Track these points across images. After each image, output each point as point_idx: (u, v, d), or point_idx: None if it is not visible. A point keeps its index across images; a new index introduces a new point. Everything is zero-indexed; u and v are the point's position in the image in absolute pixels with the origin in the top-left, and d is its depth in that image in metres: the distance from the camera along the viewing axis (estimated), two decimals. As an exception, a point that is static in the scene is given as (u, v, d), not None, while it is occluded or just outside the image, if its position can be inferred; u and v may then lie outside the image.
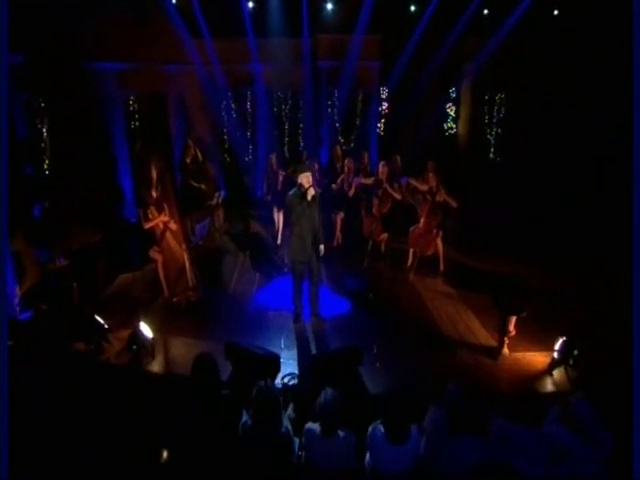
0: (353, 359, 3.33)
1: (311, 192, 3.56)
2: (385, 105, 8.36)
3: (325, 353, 3.52)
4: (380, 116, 8.28)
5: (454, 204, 4.71)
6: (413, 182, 5.14)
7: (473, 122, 8.29)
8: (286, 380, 3.31)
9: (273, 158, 6.08)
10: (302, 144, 8.56)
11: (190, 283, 4.50)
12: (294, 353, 3.68)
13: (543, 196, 6.64)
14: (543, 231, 5.88)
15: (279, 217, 5.93)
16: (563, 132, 6.72)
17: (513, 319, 3.51)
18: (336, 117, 8.15)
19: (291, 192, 3.66)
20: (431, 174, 4.93)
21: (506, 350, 3.65)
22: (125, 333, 3.67)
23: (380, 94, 8.20)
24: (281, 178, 5.81)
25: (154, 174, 4.41)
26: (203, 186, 5.99)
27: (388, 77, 7.91)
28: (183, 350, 3.70)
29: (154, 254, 4.58)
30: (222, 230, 6.41)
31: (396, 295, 4.52)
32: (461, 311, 4.36)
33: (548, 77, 6.73)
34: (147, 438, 2.43)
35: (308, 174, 3.53)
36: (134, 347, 3.54)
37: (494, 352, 3.68)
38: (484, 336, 3.97)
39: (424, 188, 5.02)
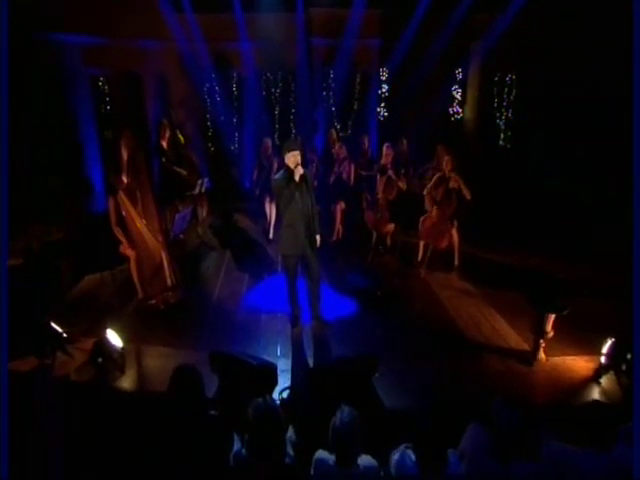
0: (366, 369, 2.96)
1: (299, 171, 3.25)
2: (385, 88, 8.09)
3: (331, 362, 3.14)
4: (380, 99, 8.07)
5: (468, 195, 4.51)
6: (426, 194, 4.88)
7: (481, 106, 8.04)
8: (285, 395, 2.92)
9: (268, 142, 5.83)
10: (294, 130, 8.30)
11: (169, 282, 4.18)
12: (293, 362, 3.36)
13: (559, 184, 6.49)
14: (563, 220, 5.74)
15: (271, 209, 5.67)
16: (580, 116, 6.47)
17: (552, 318, 3.18)
18: (332, 100, 7.93)
19: (276, 175, 3.40)
20: (447, 157, 4.70)
21: (542, 354, 3.32)
22: (89, 343, 3.25)
23: (380, 75, 7.97)
24: (276, 166, 5.61)
25: (124, 155, 3.97)
26: (184, 172, 5.56)
27: (389, 57, 7.70)
28: (160, 362, 3.36)
29: (125, 250, 4.17)
30: (206, 224, 6.22)
31: (407, 293, 4.34)
32: (484, 310, 4.10)
33: (563, 57, 6.48)
34: (114, 473, 2.09)
35: (296, 153, 3.26)
36: (99, 360, 3.11)
37: (528, 357, 3.36)
38: (514, 338, 3.67)
39: (435, 180, 4.80)
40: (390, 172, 5.06)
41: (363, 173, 5.36)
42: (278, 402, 2.81)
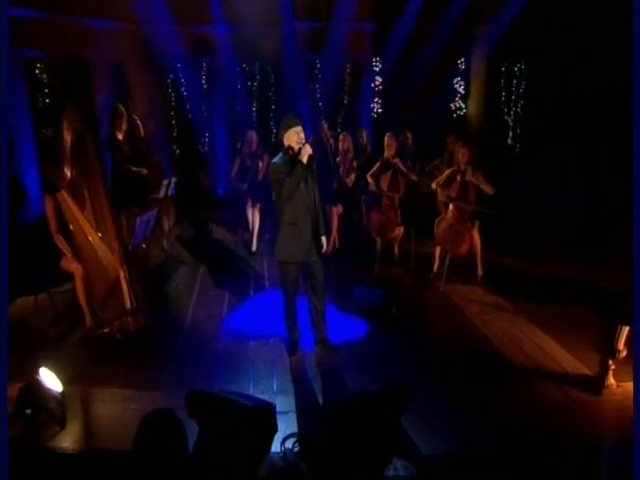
0: (394, 406, 2.50)
1: (306, 151, 2.95)
2: (379, 80, 7.98)
3: (346, 398, 2.68)
4: (373, 93, 8.05)
5: (490, 190, 4.39)
6: (435, 186, 4.76)
7: (487, 100, 8.02)
8: (290, 445, 2.46)
9: (253, 136, 5.61)
10: (274, 129, 8.09)
11: (127, 305, 3.74)
12: (296, 400, 2.93)
13: (577, 187, 6.51)
14: (586, 225, 5.72)
15: (255, 216, 5.51)
16: (601, 111, 6.45)
17: (625, 333, 2.83)
18: (318, 94, 7.87)
19: (274, 159, 3.09)
20: (462, 149, 4.56)
21: (611, 379, 2.95)
22: (14, 389, 2.67)
23: (373, 66, 7.96)
24: (262, 164, 5.43)
25: (67, 139, 3.46)
26: (144, 171, 5.10)
27: (383, 44, 7.67)
28: (115, 409, 2.86)
29: (69, 264, 3.65)
30: (173, 235, 5.95)
31: (427, 310, 4.15)
32: (522, 327, 3.85)
33: (582, 43, 6.48)
34: None
35: (299, 129, 2.99)
36: (27, 411, 2.53)
37: (592, 382, 3.00)
38: (568, 359, 3.36)
39: (447, 173, 4.68)
40: (396, 160, 4.85)
41: (371, 182, 5.11)
42: (282, 456, 2.32)
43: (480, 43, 7.82)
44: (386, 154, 5.00)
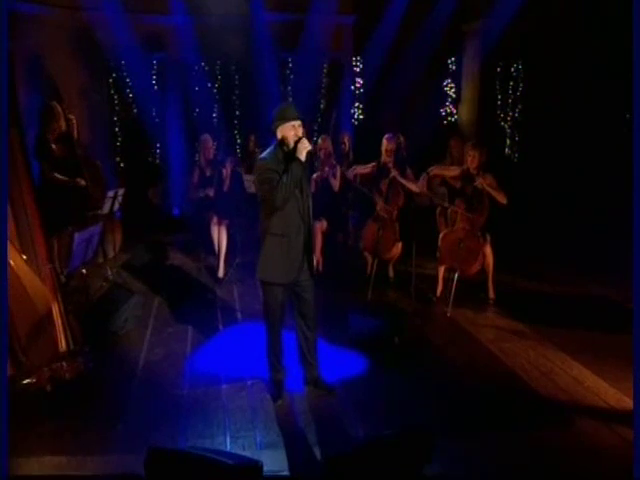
0: (413, 455, 2.30)
1: (304, 146, 2.85)
2: (360, 82, 8.13)
3: (354, 448, 2.45)
4: (354, 97, 8.20)
5: (503, 199, 4.45)
6: (436, 170, 4.83)
7: (481, 105, 8.26)
8: None
9: (209, 141, 5.63)
10: (239, 140, 8.08)
11: (61, 347, 3.46)
12: (285, 456, 2.69)
13: (583, 200, 6.78)
14: (597, 240, 5.92)
15: (221, 235, 5.45)
16: (611, 117, 6.72)
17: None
18: (291, 97, 8.01)
19: (263, 154, 2.99)
20: (472, 151, 4.59)
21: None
22: None
23: (353, 65, 8.13)
24: (225, 173, 5.47)
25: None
26: (82, 182, 4.84)
27: (365, 41, 7.85)
28: None
29: None
30: (119, 261, 5.79)
31: (436, 339, 4.10)
32: (550, 355, 3.79)
33: (587, 40, 6.77)
34: None
35: (297, 124, 2.90)
36: None
37: (642, 417, 2.86)
38: (609, 392, 3.27)
39: (454, 173, 4.74)
40: (395, 173, 4.89)
41: (363, 171, 5.10)
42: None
43: (472, 40, 8.12)
44: (383, 158, 4.99)
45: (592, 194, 6.76)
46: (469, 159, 4.60)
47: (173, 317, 4.50)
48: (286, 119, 2.89)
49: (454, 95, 8.60)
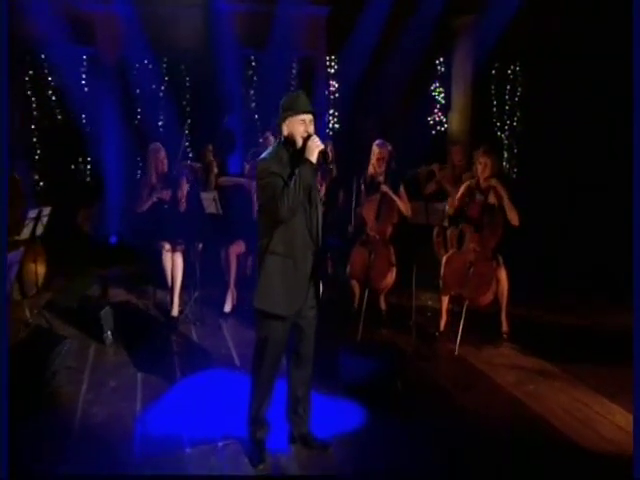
0: None
1: (315, 144, 2.79)
2: (335, 85, 8.24)
3: None
4: (328, 102, 8.31)
5: (515, 218, 4.57)
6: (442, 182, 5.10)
7: (474, 112, 8.47)
8: None
9: (161, 151, 5.66)
10: (190, 151, 8.04)
11: None
12: None
13: (589, 218, 6.97)
14: (610, 263, 6.12)
15: (175, 264, 5.40)
16: (618, 124, 7.01)
17: None
18: (254, 101, 8.09)
19: (264, 155, 2.95)
20: (483, 158, 4.69)
21: None
22: None
23: (327, 66, 8.23)
24: (183, 189, 5.49)
25: None
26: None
27: (340, 38, 7.96)
28: None
29: None
30: (43, 300, 5.71)
31: (445, 381, 4.11)
32: (584, 398, 3.79)
33: (591, 37, 7.07)
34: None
35: (307, 118, 2.86)
36: None
37: None
38: None
39: (461, 192, 4.82)
40: (385, 188, 4.96)
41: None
42: None
43: (464, 38, 8.35)
44: (372, 170, 5.08)
45: (602, 212, 6.95)
46: (480, 168, 4.67)
47: (116, 367, 4.39)
48: (295, 111, 2.83)
49: (443, 101, 8.79)
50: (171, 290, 5.37)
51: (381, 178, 5.03)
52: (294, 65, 8.07)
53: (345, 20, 7.64)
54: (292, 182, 2.72)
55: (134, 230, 6.29)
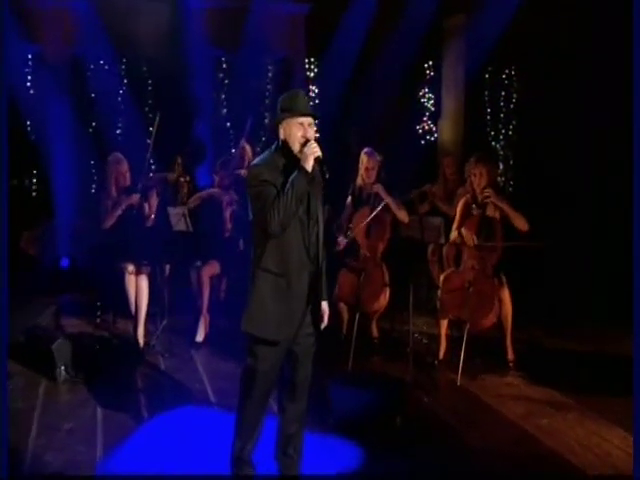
0: None
1: (312, 151, 2.79)
2: (314, 90, 8.32)
3: None
4: None
5: (523, 224, 4.66)
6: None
7: (467, 120, 8.52)
8: None
9: (122, 163, 5.73)
10: (152, 162, 7.98)
11: None
12: None
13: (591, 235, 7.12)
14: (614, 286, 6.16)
15: (140, 288, 5.35)
16: (623, 132, 7.14)
17: None
18: (225, 107, 8.11)
19: (258, 159, 2.98)
20: (477, 169, 4.79)
21: None
22: None
23: (306, 69, 8.29)
24: (150, 204, 5.51)
25: None
26: None
27: (321, 39, 8.04)
28: None
29: None
30: None
31: (449, 415, 4.12)
32: (604, 432, 3.80)
33: (591, 39, 7.18)
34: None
35: (307, 121, 2.86)
36: None
37: None
38: None
39: (458, 210, 4.96)
40: (380, 191, 4.99)
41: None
42: None
43: (455, 40, 8.38)
44: (360, 181, 5.15)
45: (604, 229, 7.06)
46: (475, 179, 4.76)
47: (71, 407, 4.30)
48: (293, 113, 2.83)
49: (433, 108, 8.86)
50: (135, 318, 5.32)
51: (373, 191, 5.07)
52: (270, 68, 8.11)
53: (326, 19, 7.72)
54: (284, 192, 2.71)
55: (91, 250, 6.23)
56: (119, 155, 5.64)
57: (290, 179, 2.72)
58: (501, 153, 8.82)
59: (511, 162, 8.85)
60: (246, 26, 7.55)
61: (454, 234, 4.90)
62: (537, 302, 6.08)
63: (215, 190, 5.75)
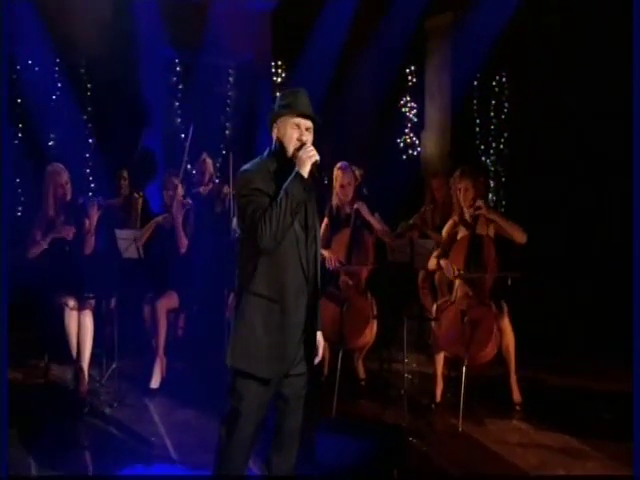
0: None
1: (309, 155, 2.79)
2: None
3: None
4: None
5: (520, 236, 4.79)
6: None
7: (453, 132, 8.69)
8: None
9: (62, 173, 5.65)
10: (92, 181, 7.98)
11: None
12: None
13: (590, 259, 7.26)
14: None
15: (82, 326, 5.28)
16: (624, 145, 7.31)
17: None
18: (179, 116, 8.11)
19: (249, 164, 2.95)
20: (461, 183, 4.92)
21: None
22: None
23: (273, 73, 8.36)
24: (91, 222, 5.50)
25: None
26: None
27: (289, 40, 8.13)
28: None
29: None
30: None
31: (450, 466, 4.12)
32: None
33: (588, 42, 7.32)
34: None
35: (305, 124, 2.89)
36: None
37: None
38: None
39: (445, 234, 5.10)
40: (362, 209, 5.10)
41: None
42: None
43: (439, 42, 8.62)
44: (337, 200, 5.22)
45: (608, 254, 7.16)
46: (460, 195, 4.86)
47: None
48: (291, 111, 2.83)
49: (415, 119, 9.00)
50: (77, 361, 5.23)
51: (350, 207, 5.14)
52: (231, 72, 8.16)
53: (297, 18, 7.82)
54: (277, 201, 2.68)
55: (21, 282, 6.07)
56: (59, 166, 5.59)
57: (284, 186, 2.70)
58: (492, 169, 8.87)
59: (503, 179, 8.93)
60: (204, 24, 7.59)
61: (433, 262, 4.94)
62: (533, 332, 6.02)
63: (159, 219, 5.71)
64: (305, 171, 2.73)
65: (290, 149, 2.81)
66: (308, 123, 2.84)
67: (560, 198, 7.77)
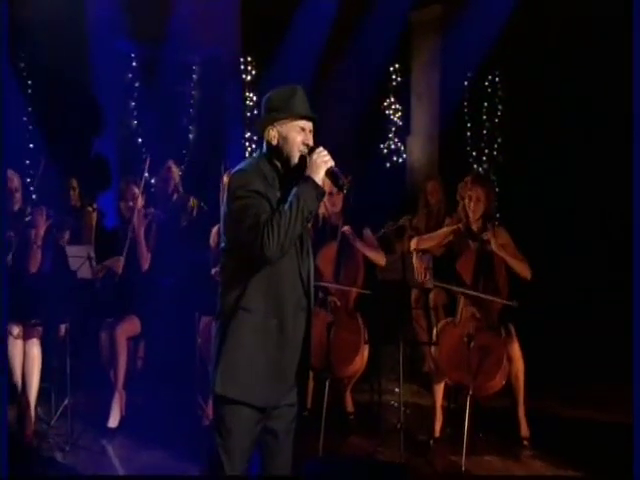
0: None
1: (322, 158, 2.82)
2: (252, 97, 8.46)
3: None
4: (245, 122, 8.39)
5: (525, 271, 4.87)
6: (419, 244, 5.27)
7: (442, 136, 8.76)
8: None
9: (13, 180, 5.76)
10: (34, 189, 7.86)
11: None
12: None
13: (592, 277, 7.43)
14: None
15: (29, 357, 5.28)
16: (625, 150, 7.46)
17: None
18: (135, 118, 8.15)
19: (242, 165, 2.98)
20: (473, 191, 4.95)
21: None
22: None
23: (242, 70, 8.36)
24: (37, 232, 5.47)
25: None
26: None
27: (261, 32, 8.18)
28: None
29: None
30: None
31: None
32: None
33: (586, 40, 7.49)
34: None
35: (307, 126, 2.94)
36: None
37: None
38: None
39: (443, 239, 5.15)
40: (349, 233, 5.15)
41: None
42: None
43: (427, 38, 8.70)
44: (324, 211, 5.29)
45: (608, 271, 7.30)
46: (471, 204, 4.88)
47: None
48: (292, 114, 2.85)
49: (400, 122, 9.05)
50: (21, 398, 5.18)
51: (338, 223, 5.18)
52: (195, 68, 8.19)
53: (269, 9, 7.86)
54: (288, 206, 2.67)
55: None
56: (9, 170, 5.52)
57: (293, 192, 2.69)
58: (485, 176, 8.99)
59: (497, 189, 9.00)
60: (165, 15, 7.63)
61: (414, 242, 5.10)
62: (542, 359, 6.08)
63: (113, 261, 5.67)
64: (319, 177, 2.75)
65: (295, 154, 2.83)
66: (310, 125, 2.89)
67: (559, 207, 7.89)
